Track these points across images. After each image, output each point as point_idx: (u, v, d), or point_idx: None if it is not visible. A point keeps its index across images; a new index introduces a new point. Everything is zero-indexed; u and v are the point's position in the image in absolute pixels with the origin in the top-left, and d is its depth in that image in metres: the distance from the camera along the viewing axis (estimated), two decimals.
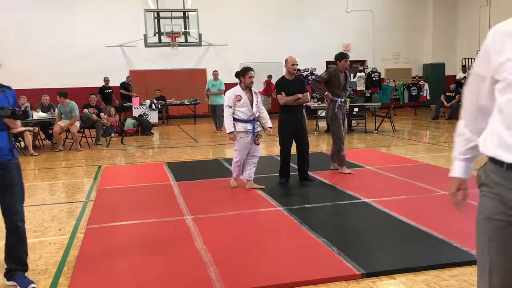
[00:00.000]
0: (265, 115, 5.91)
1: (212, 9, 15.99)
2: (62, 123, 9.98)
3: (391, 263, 3.48)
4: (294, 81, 6.11)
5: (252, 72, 5.66)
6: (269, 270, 3.40)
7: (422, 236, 4.01)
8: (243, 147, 5.70)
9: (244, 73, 5.63)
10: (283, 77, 6.24)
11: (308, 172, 6.28)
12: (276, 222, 4.60)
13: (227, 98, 5.67)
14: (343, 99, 6.83)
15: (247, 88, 5.68)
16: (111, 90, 14.37)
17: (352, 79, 14.93)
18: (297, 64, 6.09)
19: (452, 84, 15.04)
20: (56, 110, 10.27)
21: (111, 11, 15.81)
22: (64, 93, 10.00)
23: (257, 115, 5.78)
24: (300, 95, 6.02)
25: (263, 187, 5.86)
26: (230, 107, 5.61)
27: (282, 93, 6.00)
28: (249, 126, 5.67)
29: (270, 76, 16.50)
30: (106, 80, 14.33)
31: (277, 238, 4.15)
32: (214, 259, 3.59)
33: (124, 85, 14.58)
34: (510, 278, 1.66)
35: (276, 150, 9.41)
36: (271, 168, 7.02)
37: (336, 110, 6.69)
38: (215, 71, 12.77)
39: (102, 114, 11.97)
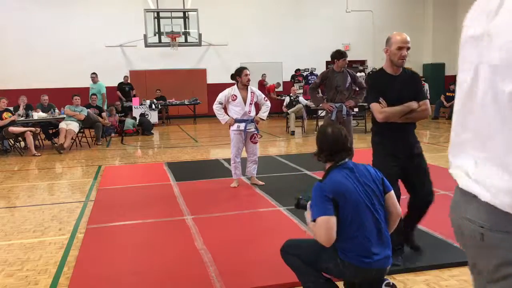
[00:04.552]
0: (265, 108, 5.98)
1: (212, 9, 15.99)
2: (65, 124, 9.95)
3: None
4: (401, 79, 3.47)
5: (247, 70, 5.82)
6: (269, 270, 3.40)
7: (422, 236, 4.00)
8: (235, 143, 5.92)
9: (239, 73, 5.81)
10: (381, 70, 3.58)
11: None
12: (276, 222, 4.60)
13: (221, 96, 5.87)
14: (338, 104, 6.36)
15: (244, 87, 5.84)
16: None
17: None
18: (408, 48, 3.34)
19: (452, 85, 15.04)
20: (67, 110, 10.23)
21: (111, 11, 15.81)
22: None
23: (251, 114, 5.89)
24: (414, 105, 3.40)
25: (263, 183, 6.07)
26: (221, 103, 5.85)
27: (381, 100, 3.43)
28: (242, 126, 5.85)
29: (264, 75, 16.27)
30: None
31: (277, 238, 4.14)
32: (214, 259, 3.59)
33: (120, 86, 14.60)
34: None
35: (274, 149, 9.41)
36: (271, 168, 7.01)
37: (333, 119, 6.29)
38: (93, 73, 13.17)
39: (103, 114, 11.96)
